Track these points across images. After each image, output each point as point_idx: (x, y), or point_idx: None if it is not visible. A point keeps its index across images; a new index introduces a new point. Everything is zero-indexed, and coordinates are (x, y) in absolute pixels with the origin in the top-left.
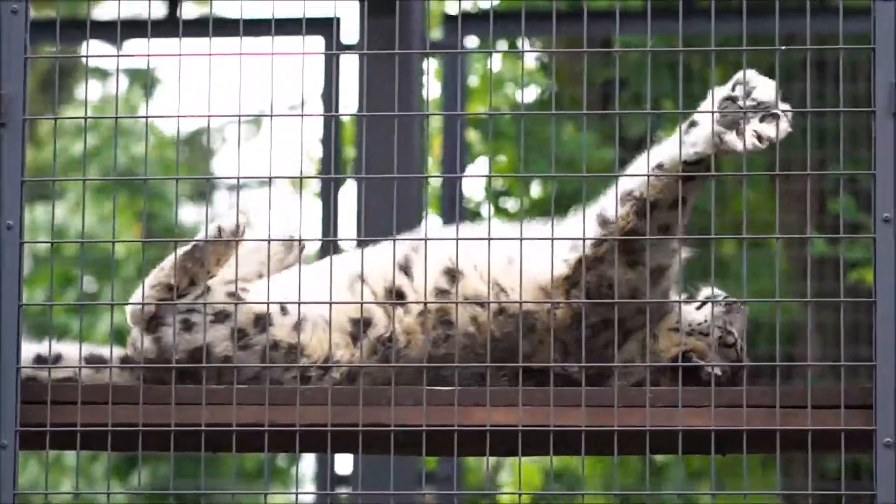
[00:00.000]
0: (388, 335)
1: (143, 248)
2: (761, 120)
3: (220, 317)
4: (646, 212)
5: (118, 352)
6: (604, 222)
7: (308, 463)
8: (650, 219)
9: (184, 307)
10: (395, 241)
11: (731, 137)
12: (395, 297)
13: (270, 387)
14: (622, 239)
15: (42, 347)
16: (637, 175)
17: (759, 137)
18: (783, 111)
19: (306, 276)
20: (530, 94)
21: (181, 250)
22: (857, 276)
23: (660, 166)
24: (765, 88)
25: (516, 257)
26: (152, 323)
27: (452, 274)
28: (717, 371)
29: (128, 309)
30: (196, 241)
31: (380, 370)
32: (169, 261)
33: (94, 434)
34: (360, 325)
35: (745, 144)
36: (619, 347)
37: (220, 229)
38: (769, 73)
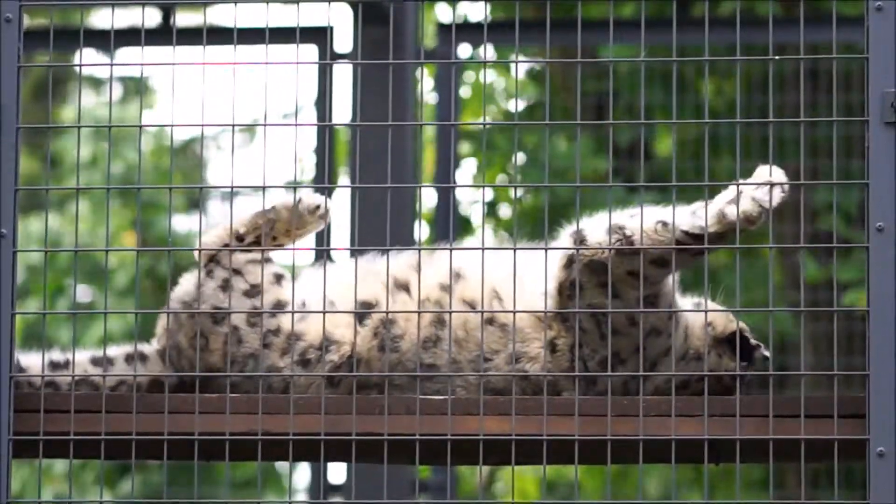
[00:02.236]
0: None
1: (137, 256)
2: (756, 188)
3: (251, 292)
4: (625, 252)
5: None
6: (580, 241)
7: (301, 471)
8: (628, 261)
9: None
10: (419, 249)
11: (731, 209)
12: (400, 287)
13: (264, 395)
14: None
15: (59, 355)
16: (634, 215)
17: (755, 202)
18: (780, 183)
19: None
20: (521, 103)
21: (260, 208)
22: (849, 300)
23: (663, 224)
24: (763, 169)
25: (516, 275)
26: (211, 263)
27: (458, 274)
28: (766, 353)
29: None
30: (276, 203)
31: (377, 357)
32: (247, 214)
33: (86, 443)
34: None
35: (738, 209)
36: (647, 378)
37: (299, 200)
38: (762, 84)
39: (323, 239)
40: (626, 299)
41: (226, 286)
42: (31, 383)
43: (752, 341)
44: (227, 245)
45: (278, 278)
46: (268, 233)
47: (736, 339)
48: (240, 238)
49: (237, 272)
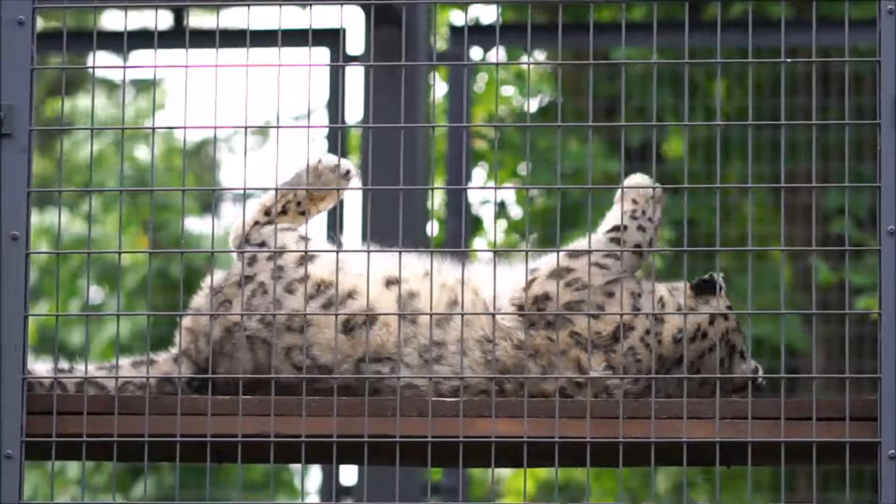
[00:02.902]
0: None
1: (150, 258)
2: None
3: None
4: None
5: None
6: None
7: (313, 474)
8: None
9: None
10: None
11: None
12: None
13: (276, 398)
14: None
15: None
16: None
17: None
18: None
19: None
20: (534, 104)
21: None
22: (863, 305)
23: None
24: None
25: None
26: (238, 241)
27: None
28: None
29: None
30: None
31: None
32: (271, 192)
33: (99, 445)
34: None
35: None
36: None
37: (319, 161)
38: (773, 86)
39: (335, 241)
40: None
41: (252, 261)
42: (41, 383)
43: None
44: (257, 223)
45: (304, 239)
46: (294, 199)
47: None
48: (267, 213)
49: (262, 245)
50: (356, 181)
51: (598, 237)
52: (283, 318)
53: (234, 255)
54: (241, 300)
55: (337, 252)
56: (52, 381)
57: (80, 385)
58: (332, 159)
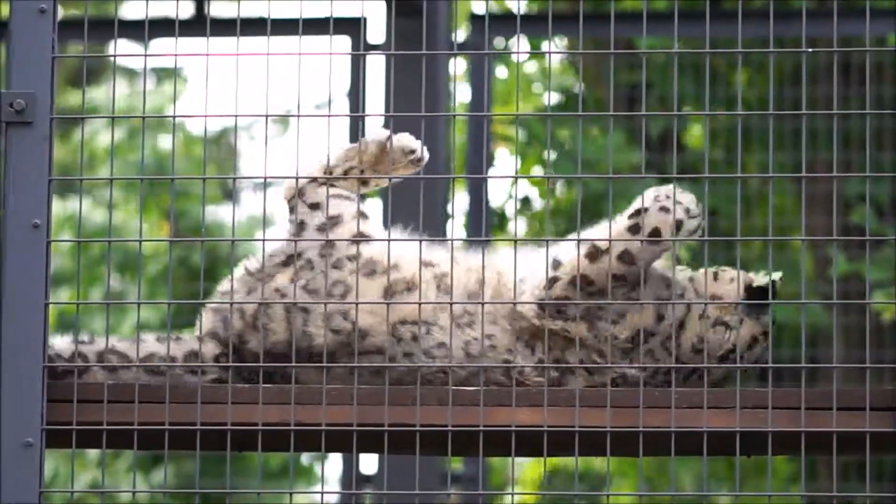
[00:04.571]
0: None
1: (171, 247)
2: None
3: (325, 225)
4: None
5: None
6: (556, 266)
7: (333, 462)
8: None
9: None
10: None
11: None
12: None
13: (297, 387)
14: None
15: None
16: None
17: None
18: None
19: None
20: (556, 97)
21: (350, 145)
22: (880, 296)
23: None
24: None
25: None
26: (294, 200)
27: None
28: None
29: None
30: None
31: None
32: (340, 150)
33: (119, 432)
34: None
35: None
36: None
37: (388, 138)
38: (793, 76)
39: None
40: (615, 299)
41: (301, 227)
42: (59, 354)
43: (762, 282)
44: (315, 179)
45: (362, 216)
46: (356, 164)
47: (755, 295)
48: (330, 172)
49: (315, 206)
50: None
51: (619, 226)
52: (325, 284)
53: (288, 209)
54: (292, 267)
55: (388, 241)
56: (73, 353)
57: (100, 354)
58: (409, 142)
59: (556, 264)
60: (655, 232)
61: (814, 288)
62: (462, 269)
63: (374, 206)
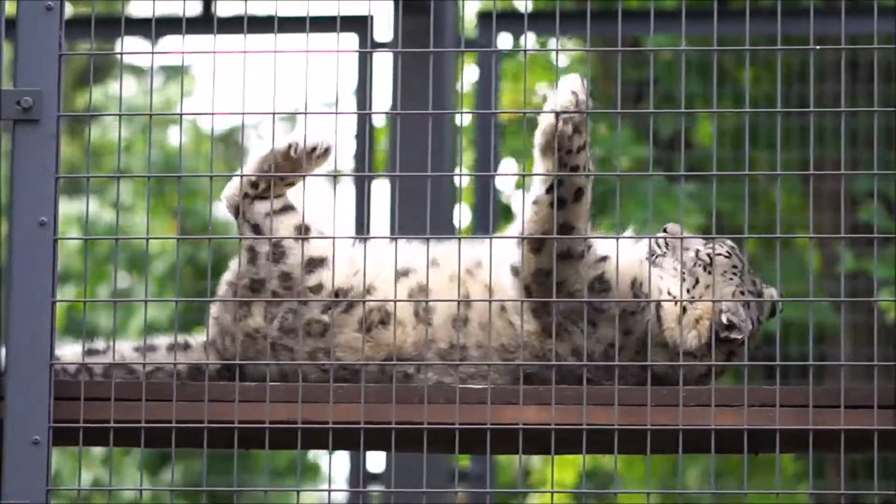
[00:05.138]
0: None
1: (178, 244)
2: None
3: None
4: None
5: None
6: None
7: (341, 460)
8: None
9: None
10: (459, 238)
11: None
12: (433, 264)
13: (304, 385)
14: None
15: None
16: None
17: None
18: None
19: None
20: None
21: (263, 151)
22: (888, 294)
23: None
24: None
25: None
26: (238, 218)
27: (479, 262)
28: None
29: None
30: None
31: (412, 322)
32: (252, 161)
33: (126, 430)
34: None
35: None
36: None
37: (290, 147)
38: (801, 74)
39: (363, 227)
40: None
41: (253, 258)
42: (65, 370)
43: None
44: (246, 195)
45: (305, 230)
46: (277, 180)
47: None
48: (255, 185)
49: (256, 229)
50: (328, 164)
51: (540, 206)
52: (301, 323)
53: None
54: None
55: (333, 239)
56: (82, 364)
57: (107, 369)
58: (310, 143)
59: (516, 271)
60: (579, 189)
61: (821, 286)
62: (444, 278)
63: (379, 206)
